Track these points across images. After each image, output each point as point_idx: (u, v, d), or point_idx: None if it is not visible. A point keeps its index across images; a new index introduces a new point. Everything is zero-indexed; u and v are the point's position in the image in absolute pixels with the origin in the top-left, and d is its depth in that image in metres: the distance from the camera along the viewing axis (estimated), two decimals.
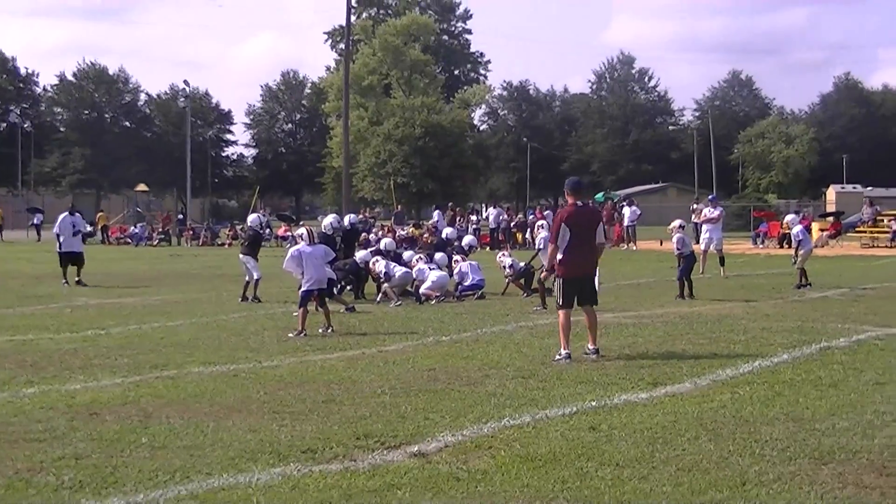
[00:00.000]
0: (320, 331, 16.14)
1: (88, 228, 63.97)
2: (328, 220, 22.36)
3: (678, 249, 22.30)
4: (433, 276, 21.74)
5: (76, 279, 26.26)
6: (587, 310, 13.26)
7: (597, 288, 13.88)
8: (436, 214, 55.37)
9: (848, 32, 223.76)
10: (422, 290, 21.39)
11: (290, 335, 15.72)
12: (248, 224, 20.72)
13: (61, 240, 27.05)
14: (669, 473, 7.52)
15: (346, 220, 23.84)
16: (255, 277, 20.88)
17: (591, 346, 13.09)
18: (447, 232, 25.23)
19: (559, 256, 13.27)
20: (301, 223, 60.54)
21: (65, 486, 7.33)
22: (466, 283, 22.20)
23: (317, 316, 16.60)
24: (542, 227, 22.22)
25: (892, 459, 7.86)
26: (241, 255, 21.91)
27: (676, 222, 23.38)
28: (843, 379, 11.36)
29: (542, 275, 13.66)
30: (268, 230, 41.32)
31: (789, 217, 27.49)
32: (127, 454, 8.22)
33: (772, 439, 8.50)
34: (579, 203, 13.54)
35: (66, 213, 28.21)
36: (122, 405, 10.20)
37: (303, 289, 16.43)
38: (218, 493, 7.14)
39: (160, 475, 7.59)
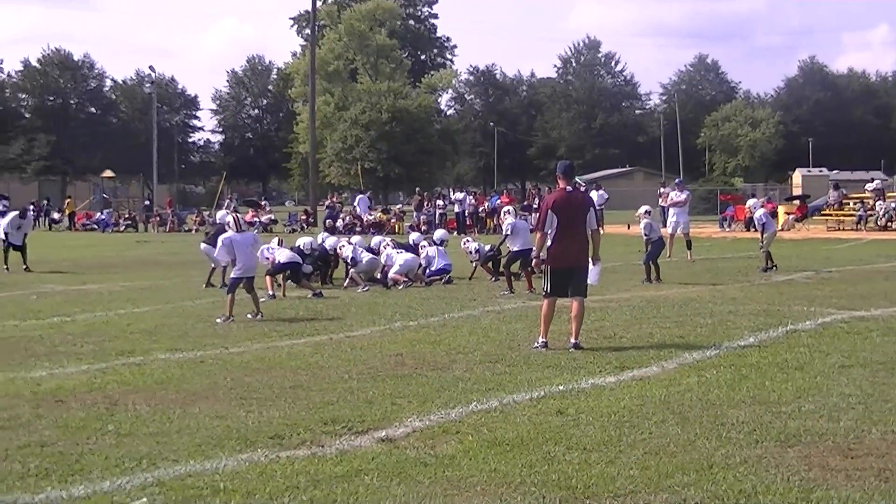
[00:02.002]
0: (249, 316, 16.14)
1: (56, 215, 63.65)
2: (305, 241, 22.08)
3: (646, 235, 22.40)
4: (400, 259, 21.70)
5: (24, 266, 26.29)
6: (576, 301, 12.77)
7: (597, 272, 13.46)
8: (357, 200, 55.28)
9: (813, 16, 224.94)
10: (390, 274, 21.35)
11: (218, 320, 15.76)
12: (217, 218, 20.61)
13: (7, 236, 27.09)
14: (636, 457, 7.53)
15: (326, 241, 23.27)
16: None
17: (572, 340, 12.64)
18: (414, 237, 25.12)
19: (548, 244, 12.86)
20: (268, 209, 60.55)
21: (30, 474, 7.28)
22: (433, 268, 22.16)
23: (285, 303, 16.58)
24: (509, 213, 22.21)
25: (858, 442, 7.90)
26: (202, 245, 21.83)
27: (643, 208, 23.49)
28: (809, 362, 11.41)
29: (533, 262, 13.42)
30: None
31: (751, 201, 27.58)
32: (93, 441, 8.18)
33: (738, 422, 8.52)
34: (569, 188, 13.04)
35: (17, 213, 28.33)
36: (87, 392, 10.16)
37: (232, 275, 16.61)
38: (185, 480, 7.10)
39: (126, 462, 7.56)
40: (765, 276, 22.41)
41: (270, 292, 19.01)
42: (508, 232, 20.65)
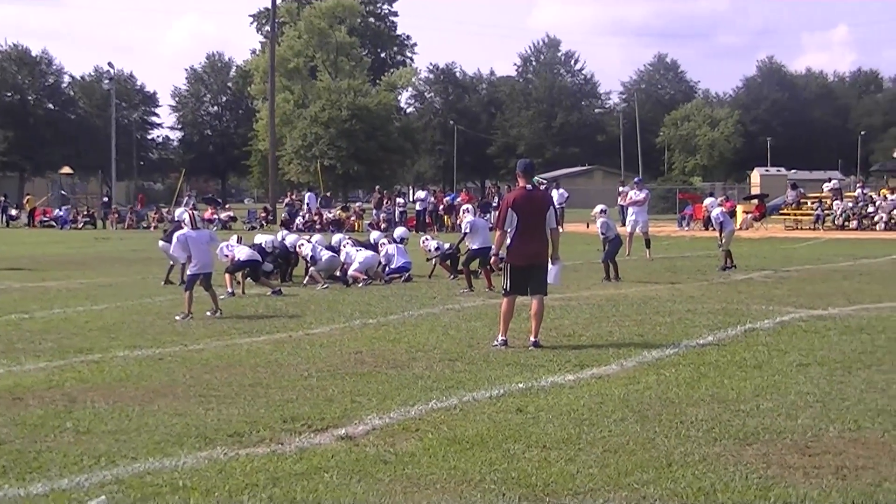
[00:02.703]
0: (208, 314, 16.12)
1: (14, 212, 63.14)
2: (265, 238, 21.98)
3: (603, 233, 22.47)
4: (360, 257, 21.68)
5: None
6: (535, 300, 12.76)
7: (557, 272, 13.50)
8: (307, 197, 55.28)
9: (771, 17, 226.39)
10: (349, 272, 21.32)
11: (177, 318, 15.77)
12: (176, 216, 20.49)
13: None
14: (596, 455, 7.54)
15: (285, 239, 23.15)
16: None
17: (532, 338, 12.64)
18: (374, 236, 25.11)
19: (507, 242, 12.84)
20: (227, 206, 60.34)
21: None
22: (393, 266, 22.14)
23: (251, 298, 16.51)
24: (468, 211, 22.22)
25: (816, 440, 7.96)
26: (160, 243, 21.73)
27: (599, 207, 23.58)
28: (768, 360, 11.48)
29: (492, 260, 13.42)
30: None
31: (708, 200, 27.65)
32: (51, 439, 8.12)
33: (697, 420, 8.56)
34: (528, 186, 13.04)
35: None
36: (46, 390, 10.09)
37: (189, 272, 16.57)
38: (144, 478, 7.06)
39: (85, 460, 7.51)
40: (723, 275, 22.54)
41: (230, 290, 18.96)
42: (467, 230, 20.65)
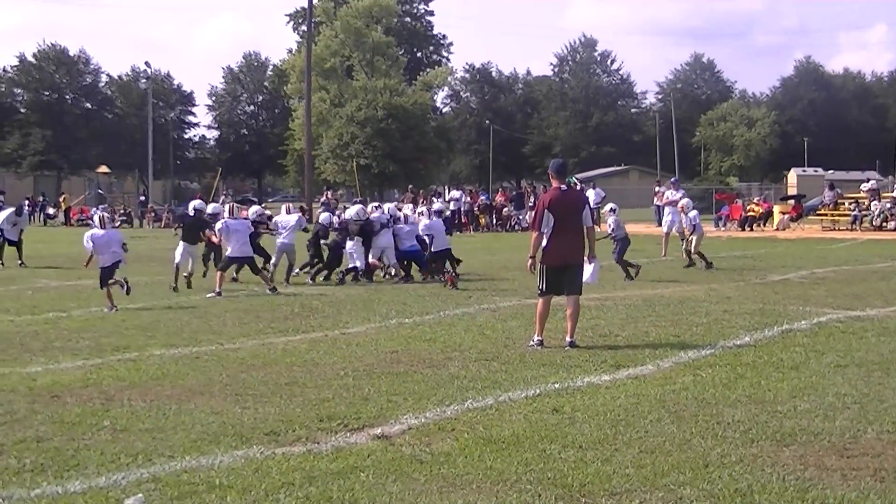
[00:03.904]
0: (105, 310, 16.58)
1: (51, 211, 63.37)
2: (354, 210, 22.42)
3: (612, 232, 22.46)
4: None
5: (19, 262, 26.26)
6: (571, 300, 12.72)
7: (594, 270, 13.47)
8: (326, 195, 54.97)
9: (808, 16, 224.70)
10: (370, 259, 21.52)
11: (105, 310, 16.59)
12: (192, 209, 20.60)
13: (3, 232, 27.09)
14: (632, 455, 7.51)
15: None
16: (176, 262, 20.44)
17: (568, 339, 12.60)
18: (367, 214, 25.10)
19: (543, 243, 12.77)
20: (263, 206, 60.43)
21: (26, 470, 7.27)
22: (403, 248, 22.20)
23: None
24: (423, 215, 23.06)
25: (854, 442, 7.89)
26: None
27: (609, 206, 23.57)
28: (805, 361, 11.39)
29: (528, 264, 13.48)
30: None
31: (684, 201, 27.36)
32: (88, 437, 8.16)
33: (734, 421, 8.51)
34: (563, 187, 13.00)
35: (13, 209, 28.24)
36: (83, 388, 10.14)
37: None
38: (180, 476, 7.09)
39: (122, 458, 7.54)
40: (759, 276, 22.38)
41: (217, 289, 18.92)
42: (428, 233, 21.27)
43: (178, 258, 20.22)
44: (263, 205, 61.19)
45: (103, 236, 17.33)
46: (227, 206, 18.37)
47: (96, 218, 18.58)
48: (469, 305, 17.25)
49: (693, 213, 25.34)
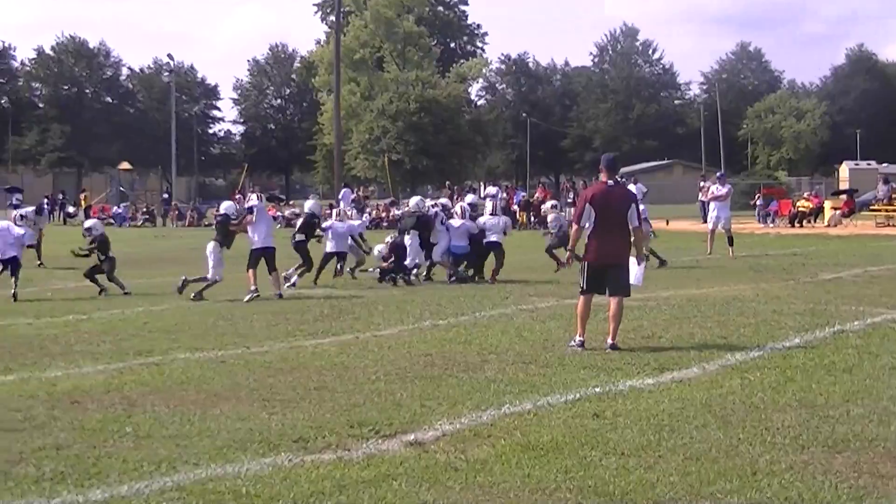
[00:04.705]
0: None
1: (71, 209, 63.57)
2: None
3: (552, 230, 23.02)
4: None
5: (38, 262, 26.38)
6: (614, 301, 12.45)
7: (641, 272, 13.20)
8: (342, 193, 54.82)
9: (861, 2, 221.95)
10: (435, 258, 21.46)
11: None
12: (222, 210, 20.20)
13: None
14: (676, 462, 7.35)
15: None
16: (211, 277, 19.13)
17: (609, 340, 12.32)
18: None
19: (585, 239, 12.56)
20: (291, 203, 60.43)
21: (45, 478, 7.16)
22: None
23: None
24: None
25: None
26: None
27: (550, 202, 23.61)
28: (858, 364, 11.14)
29: (567, 257, 13.24)
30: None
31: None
32: (110, 444, 8.06)
33: (783, 427, 8.31)
34: (610, 182, 12.75)
35: (32, 208, 28.47)
36: (104, 393, 10.06)
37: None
38: (206, 485, 6.98)
39: (145, 466, 7.43)
40: (811, 275, 22.07)
41: (253, 287, 18.60)
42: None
43: (218, 273, 18.93)
44: (292, 202, 61.37)
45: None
46: (254, 196, 18.58)
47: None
48: (506, 306, 17.04)
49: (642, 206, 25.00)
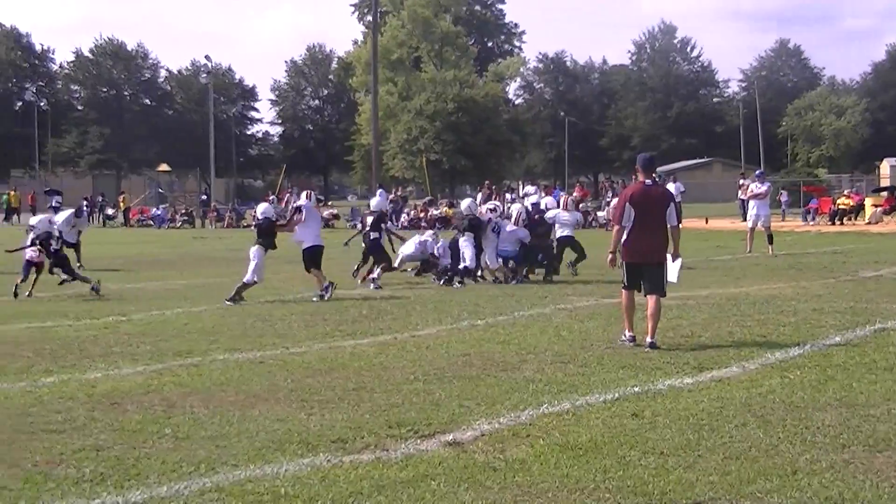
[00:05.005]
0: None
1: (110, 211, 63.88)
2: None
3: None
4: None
5: (78, 264, 26.39)
6: (652, 299, 12.47)
7: (678, 270, 13.16)
8: (379, 193, 54.43)
9: None
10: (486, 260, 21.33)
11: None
12: (260, 214, 20.06)
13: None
14: (716, 462, 7.31)
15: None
16: (250, 279, 18.65)
17: (648, 339, 12.33)
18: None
19: (623, 238, 12.60)
20: (329, 204, 60.40)
21: (85, 479, 7.18)
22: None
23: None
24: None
25: None
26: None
27: (489, 204, 23.50)
28: None
29: (609, 259, 13.29)
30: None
31: (529, 189, 26.36)
32: (149, 445, 8.07)
33: (824, 426, 8.25)
34: (648, 182, 12.78)
35: (72, 211, 28.45)
36: (144, 394, 10.07)
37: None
38: (244, 485, 6.97)
39: (184, 467, 7.44)
40: (850, 272, 21.89)
41: (325, 283, 18.67)
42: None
43: (257, 275, 18.57)
44: (331, 203, 61.31)
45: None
46: (303, 195, 19.10)
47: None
48: (544, 306, 16.98)
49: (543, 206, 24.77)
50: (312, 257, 18.82)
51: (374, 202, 22.56)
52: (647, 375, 10.56)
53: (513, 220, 21.86)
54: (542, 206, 23.12)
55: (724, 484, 6.78)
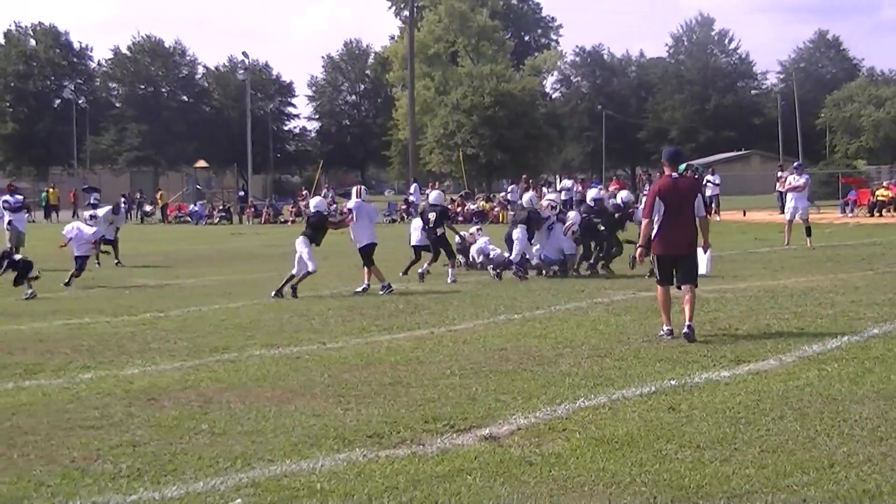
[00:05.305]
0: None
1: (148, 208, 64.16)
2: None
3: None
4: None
5: (116, 261, 26.54)
6: (685, 289, 12.52)
7: (708, 263, 13.13)
8: (413, 187, 54.51)
9: None
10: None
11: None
12: (313, 207, 20.02)
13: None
14: (753, 455, 7.28)
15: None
16: (311, 269, 18.81)
17: (686, 323, 12.28)
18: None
19: (654, 231, 12.65)
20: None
21: (122, 475, 7.24)
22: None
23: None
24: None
25: None
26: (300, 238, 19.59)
27: (473, 229, 23.95)
28: None
29: (638, 252, 13.24)
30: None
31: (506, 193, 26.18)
32: (186, 441, 8.12)
33: (861, 418, 8.19)
34: (675, 175, 12.86)
35: (110, 207, 28.59)
36: (181, 390, 10.13)
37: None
38: (280, 480, 7.00)
39: (220, 462, 7.48)
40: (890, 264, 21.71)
41: (369, 282, 18.86)
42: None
43: (311, 265, 18.65)
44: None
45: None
46: (354, 190, 19.89)
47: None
48: (581, 300, 16.94)
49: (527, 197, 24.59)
50: (368, 255, 18.90)
51: (434, 196, 22.49)
52: (684, 369, 10.51)
53: (564, 227, 21.65)
54: (618, 201, 22.73)
55: (760, 477, 6.75)
